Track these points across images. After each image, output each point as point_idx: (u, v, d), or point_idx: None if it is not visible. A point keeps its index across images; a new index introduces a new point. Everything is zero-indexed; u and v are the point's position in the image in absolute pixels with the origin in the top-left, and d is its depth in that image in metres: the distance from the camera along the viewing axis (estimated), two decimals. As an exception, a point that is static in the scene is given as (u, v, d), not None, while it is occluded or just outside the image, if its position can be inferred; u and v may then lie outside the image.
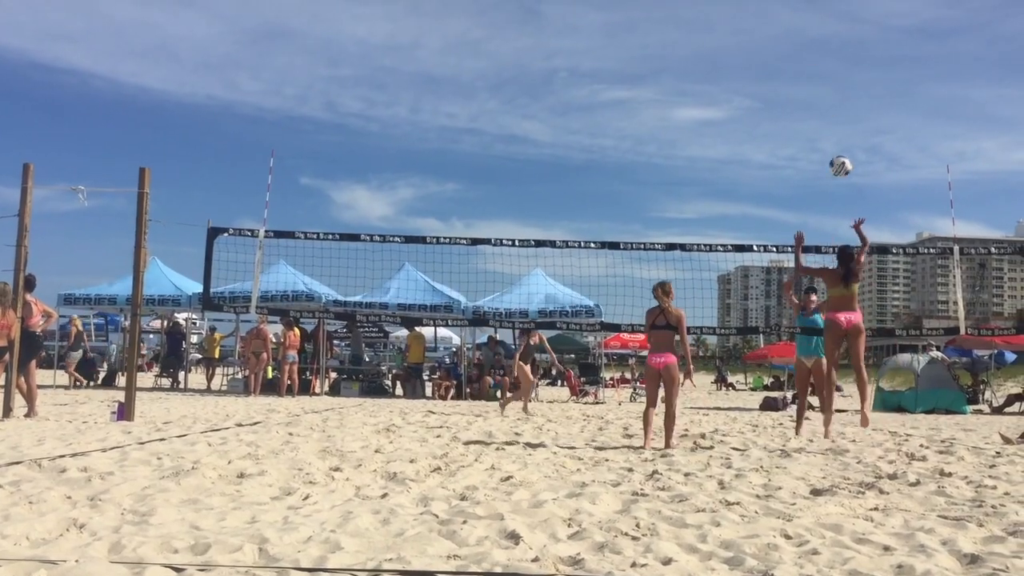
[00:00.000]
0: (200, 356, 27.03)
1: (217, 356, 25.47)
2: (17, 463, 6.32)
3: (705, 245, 13.74)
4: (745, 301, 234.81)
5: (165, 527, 4.34)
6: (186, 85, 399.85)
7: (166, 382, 24.31)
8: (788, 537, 4.39)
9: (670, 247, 13.56)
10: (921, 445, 9.55)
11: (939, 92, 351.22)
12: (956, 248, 13.65)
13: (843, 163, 10.68)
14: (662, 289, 8.83)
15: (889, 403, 20.96)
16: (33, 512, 4.62)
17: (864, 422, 9.37)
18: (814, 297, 11.90)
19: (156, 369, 26.68)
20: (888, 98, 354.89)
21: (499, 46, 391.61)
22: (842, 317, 9.10)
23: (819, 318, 10.79)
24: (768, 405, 21.63)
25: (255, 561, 3.73)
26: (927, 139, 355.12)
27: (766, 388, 38.93)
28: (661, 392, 9.16)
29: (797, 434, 10.65)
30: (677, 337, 8.97)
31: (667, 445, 8.70)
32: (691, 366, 8.99)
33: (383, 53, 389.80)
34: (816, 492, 5.95)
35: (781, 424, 13.25)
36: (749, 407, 19.72)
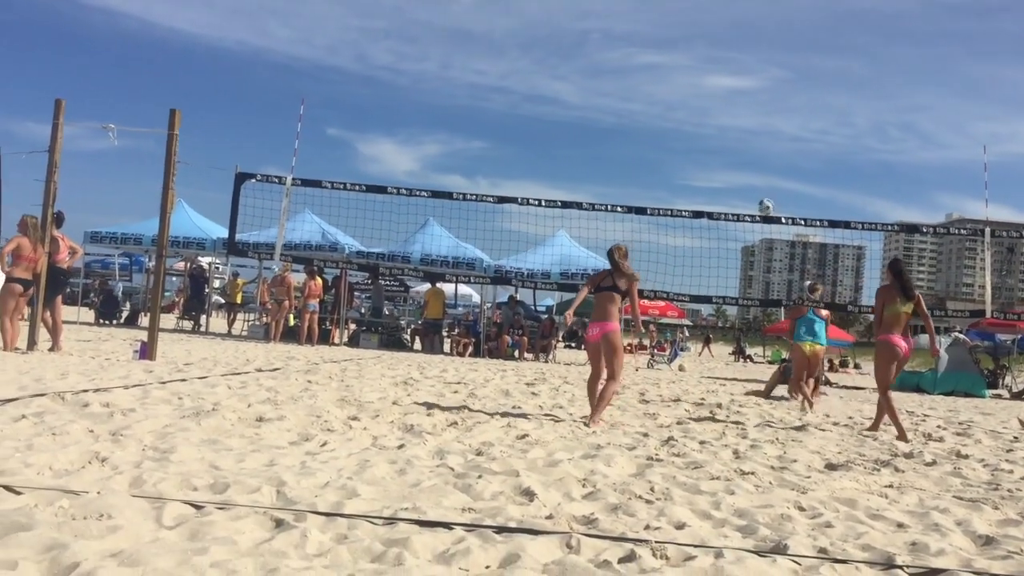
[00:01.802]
0: (223, 301, 27.22)
1: (239, 301, 25.63)
2: (41, 395, 6.41)
3: (732, 215, 13.63)
4: (768, 274, 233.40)
5: (185, 465, 4.40)
6: (217, 29, 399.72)
7: (188, 324, 24.54)
8: (802, 509, 4.39)
9: (697, 215, 13.45)
10: (938, 426, 9.53)
11: (977, 71, 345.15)
12: (987, 230, 13.47)
13: (768, 208, 12.16)
14: (619, 251, 7.94)
15: (908, 383, 20.81)
16: (56, 443, 4.69)
17: (874, 428, 8.57)
18: (819, 287, 12.51)
19: (178, 311, 26.90)
20: (924, 75, 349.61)
21: (532, 4, 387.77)
22: (903, 344, 8.37)
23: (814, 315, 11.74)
24: (786, 379, 21.55)
25: (273, 503, 3.78)
26: (962, 118, 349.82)
27: (784, 362, 38.82)
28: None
29: (812, 410, 10.61)
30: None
31: (592, 421, 7.45)
32: (640, 329, 8.63)
33: (416, 6, 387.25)
34: (831, 467, 5.95)
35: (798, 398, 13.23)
36: (767, 380, 19.67)
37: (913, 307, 8.45)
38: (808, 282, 12.62)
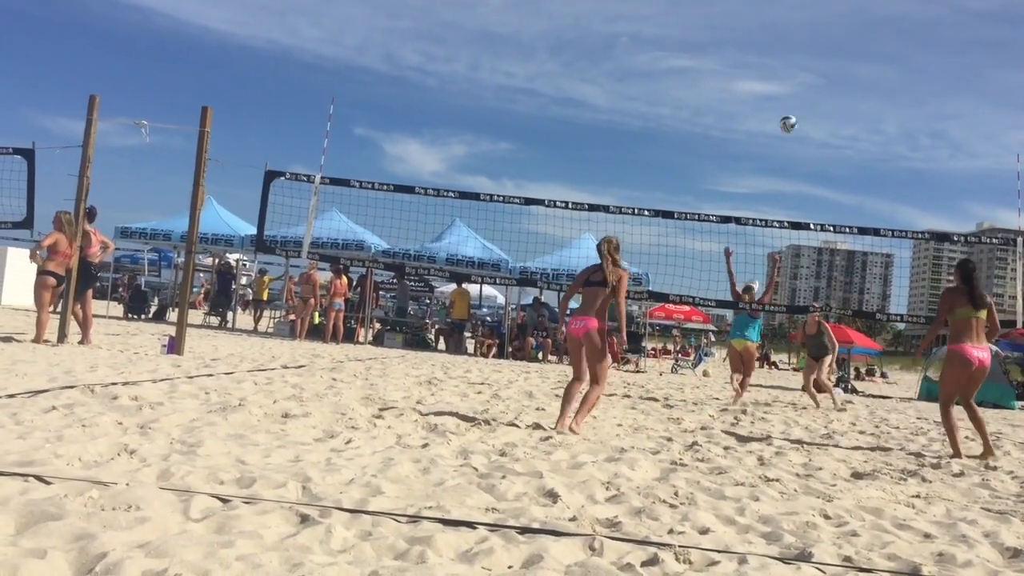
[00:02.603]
0: (251, 297, 27.38)
1: (266, 298, 25.80)
2: (71, 387, 6.49)
3: (760, 220, 13.54)
4: (794, 280, 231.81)
5: (212, 459, 4.44)
6: (248, 27, 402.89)
7: (215, 320, 24.73)
8: (827, 517, 4.36)
9: (725, 219, 13.35)
10: (967, 437, 9.41)
11: (1010, 79, 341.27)
12: (1020, 240, 13.30)
13: (792, 124, 12.13)
14: (610, 244, 7.23)
15: (935, 393, 20.58)
16: (86, 435, 4.74)
17: (988, 452, 7.53)
18: (754, 286, 12.88)
19: (205, 307, 27.11)
20: (956, 82, 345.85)
21: (561, 7, 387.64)
22: (975, 355, 7.40)
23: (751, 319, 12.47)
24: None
25: (298, 498, 3.80)
26: (994, 127, 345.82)
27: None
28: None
29: (737, 403, 11.57)
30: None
31: (575, 429, 6.81)
32: (624, 335, 7.39)
33: (444, 7, 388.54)
34: (857, 475, 5.90)
35: (822, 406, 13.14)
36: (791, 387, 19.54)
37: (986, 315, 7.58)
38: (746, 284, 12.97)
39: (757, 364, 13.65)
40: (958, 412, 7.73)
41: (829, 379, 12.17)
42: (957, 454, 7.37)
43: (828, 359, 12.75)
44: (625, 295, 7.27)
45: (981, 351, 7.44)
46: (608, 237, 7.39)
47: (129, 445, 4.50)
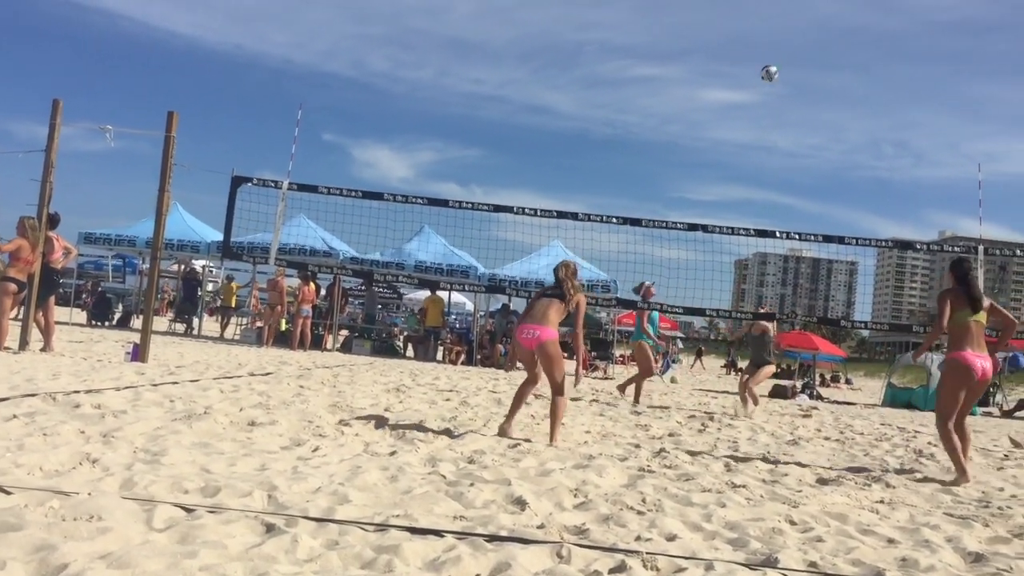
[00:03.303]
0: (219, 304, 27.08)
1: (234, 305, 25.58)
2: (32, 395, 6.39)
3: (727, 228, 13.64)
4: (761, 288, 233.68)
5: (176, 468, 4.39)
6: (215, 32, 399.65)
7: (180, 327, 24.48)
8: (793, 523, 4.40)
9: (692, 227, 13.44)
10: (929, 443, 9.53)
11: (972, 90, 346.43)
12: (981, 248, 13.52)
13: (772, 72, 12.40)
14: (567, 269, 7.16)
15: (899, 399, 20.88)
16: (47, 444, 4.67)
17: (962, 478, 6.43)
18: (653, 289, 13.08)
19: (171, 313, 26.84)
20: (919, 93, 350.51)
21: (530, 14, 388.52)
22: (978, 364, 6.52)
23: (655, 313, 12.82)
24: (777, 392, 21.59)
25: (264, 507, 3.77)
26: (956, 137, 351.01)
27: (776, 376, 38.86)
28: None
29: (638, 402, 11.74)
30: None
31: (552, 441, 6.73)
32: (584, 366, 6.95)
33: (414, 14, 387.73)
34: (822, 481, 5.96)
35: (789, 412, 13.25)
36: (758, 393, 19.68)
37: (987, 316, 6.82)
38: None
39: (725, 371, 13.65)
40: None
41: (751, 391, 11.84)
42: (963, 474, 6.36)
43: (766, 371, 12.52)
44: (583, 322, 7.21)
45: (983, 359, 6.59)
46: (566, 262, 7.33)
47: (91, 454, 4.44)
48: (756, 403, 11.80)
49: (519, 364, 7.14)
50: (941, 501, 5.55)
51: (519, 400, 7.12)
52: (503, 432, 6.83)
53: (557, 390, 6.93)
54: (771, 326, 12.91)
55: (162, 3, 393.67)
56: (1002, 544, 4.27)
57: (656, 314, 12.96)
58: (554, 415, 6.92)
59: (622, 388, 12.77)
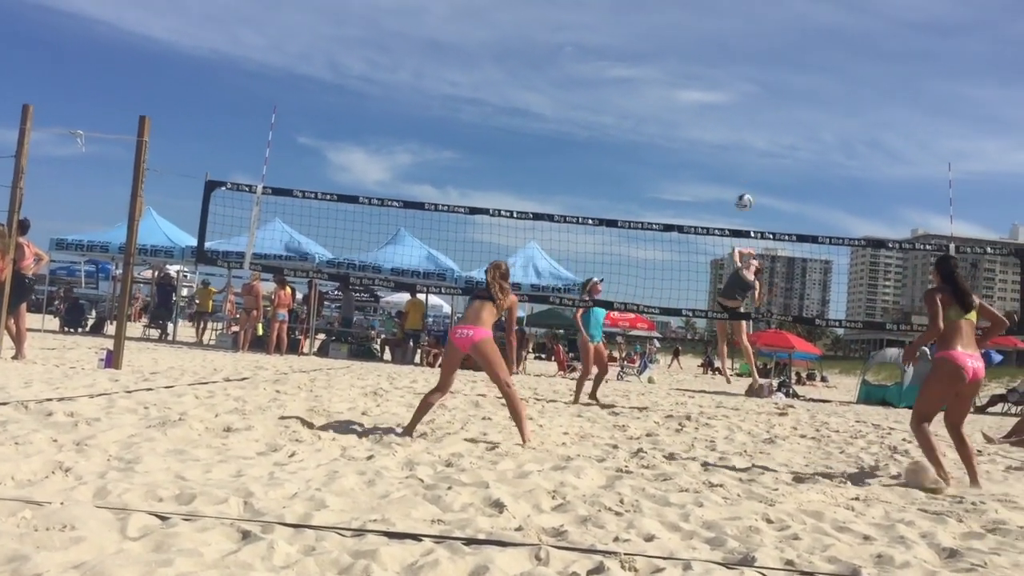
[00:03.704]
0: (196, 309, 26.79)
1: (210, 310, 25.39)
2: (4, 404, 6.31)
3: (702, 228, 13.69)
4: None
5: (151, 475, 4.35)
6: (190, 36, 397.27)
7: (155, 332, 24.28)
8: (770, 521, 4.42)
9: (668, 228, 13.46)
10: (904, 439, 9.61)
11: (943, 90, 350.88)
12: (952, 246, 13.66)
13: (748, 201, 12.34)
14: (497, 271, 7.13)
15: (874, 396, 21.07)
16: (19, 453, 4.61)
17: (973, 480, 6.26)
18: (600, 286, 13.03)
19: (145, 319, 26.61)
20: (891, 92, 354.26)
21: (505, 16, 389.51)
22: (969, 364, 6.11)
23: (601, 310, 12.63)
24: (753, 391, 21.69)
25: (240, 514, 3.74)
26: (928, 136, 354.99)
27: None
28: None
29: (576, 402, 11.83)
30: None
31: (524, 439, 6.77)
32: (515, 360, 6.85)
33: (389, 16, 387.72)
34: (799, 479, 5.99)
35: (765, 410, 13.32)
36: (735, 392, 19.79)
37: (977, 316, 6.43)
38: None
39: (702, 371, 13.56)
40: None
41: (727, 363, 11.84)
42: (942, 476, 5.96)
43: (742, 328, 12.30)
44: (515, 322, 7.10)
45: (974, 359, 6.19)
46: (496, 263, 7.22)
47: (64, 463, 4.39)
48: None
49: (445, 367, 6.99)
50: (915, 497, 5.59)
51: (423, 408, 6.94)
52: (409, 433, 6.66)
53: (504, 386, 6.84)
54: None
55: (136, 7, 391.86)
56: (976, 540, 4.31)
57: (601, 312, 12.84)
58: (515, 412, 6.87)
59: (592, 396, 12.52)
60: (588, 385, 12.43)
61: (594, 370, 12.51)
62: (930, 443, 6.20)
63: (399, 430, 6.87)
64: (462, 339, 6.81)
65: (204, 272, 26.17)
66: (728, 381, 11.70)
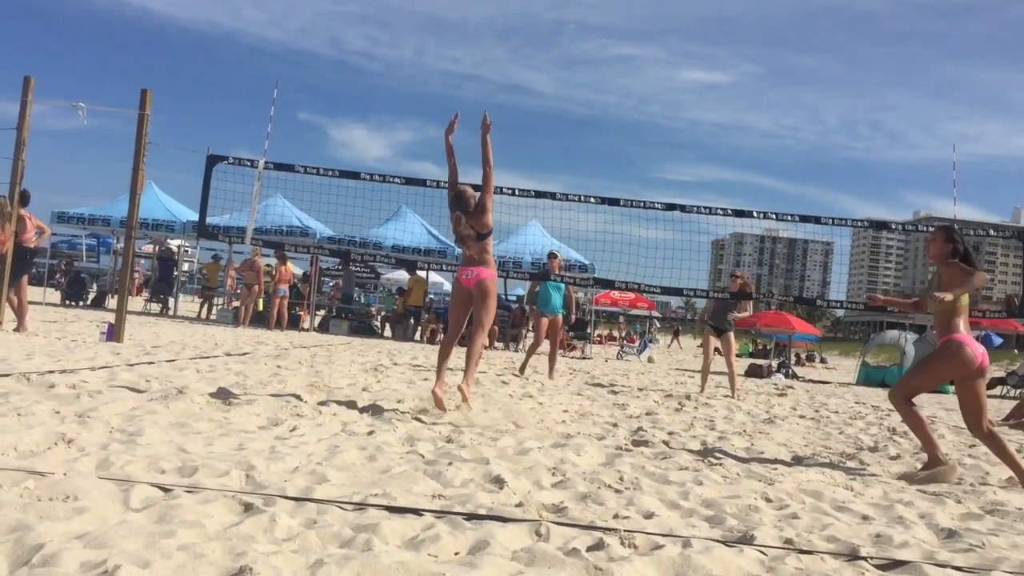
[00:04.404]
0: (204, 284, 26.61)
1: (215, 285, 25.36)
2: (6, 375, 6.33)
3: (705, 208, 13.66)
4: (737, 268, 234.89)
5: (153, 448, 4.36)
6: (189, 9, 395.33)
7: (156, 307, 24.31)
8: (769, 500, 4.44)
9: (670, 207, 13.43)
10: (902, 421, 9.64)
11: (946, 72, 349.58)
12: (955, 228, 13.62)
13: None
14: (465, 193, 6.91)
15: (873, 378, 21.15)
16: (21, 424, 4.62)
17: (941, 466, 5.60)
18: (558, 259, 13.31)
19: (146, 293, 26.61)
20: (894, 74, 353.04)
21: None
22: (980, 350, 5.62)
23: (561, 284, 12.70)
24: (753, 372, 21.78)
25: (242, 487, 3.76)
26: (931, 119, 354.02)
27: (752, 355, 39.16)
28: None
29: (522, 374, 11.93)
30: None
31: (465, 397, 6.74)
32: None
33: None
34: (798, 459, 6.01)
35: (765, 391, 13.36)
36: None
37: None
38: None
39: (702, 351, 13.46)
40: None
41: (735, 368, 11.67)
42: (935, 458, 5.64)
43: (731, 342, 12.07)
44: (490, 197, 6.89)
45: (979, 345, 5.69)
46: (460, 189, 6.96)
47: (67, 434, 4.40)
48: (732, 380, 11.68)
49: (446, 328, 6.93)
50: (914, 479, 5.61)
51: (443, 357, 6.96)
52: (438, 402, 6.54)
53: (479, 326, 6.80)
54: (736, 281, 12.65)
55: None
56: (974, 520, 4.33)
57: (555, 286, 12.74)
58: (470, 357, 6.82)
59: (520, 369, 12.43)
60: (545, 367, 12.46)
61: (547, 344, 12.66)
62: (922, 422, 5.78)
63: (401, 406, 6.89)
64: (469, 279, 6.82)
65: (205, 247, 26.16)
66: (702, 391, 11.58)
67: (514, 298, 30.91)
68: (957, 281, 5.64)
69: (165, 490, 3.54)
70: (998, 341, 27.82)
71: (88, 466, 3.84)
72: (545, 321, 12.49)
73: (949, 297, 5.53)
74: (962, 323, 5.67)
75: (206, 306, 24.56)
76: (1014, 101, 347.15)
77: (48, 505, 3.15)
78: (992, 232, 15.55)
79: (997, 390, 21.03)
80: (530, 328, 15.27)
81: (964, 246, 5.83)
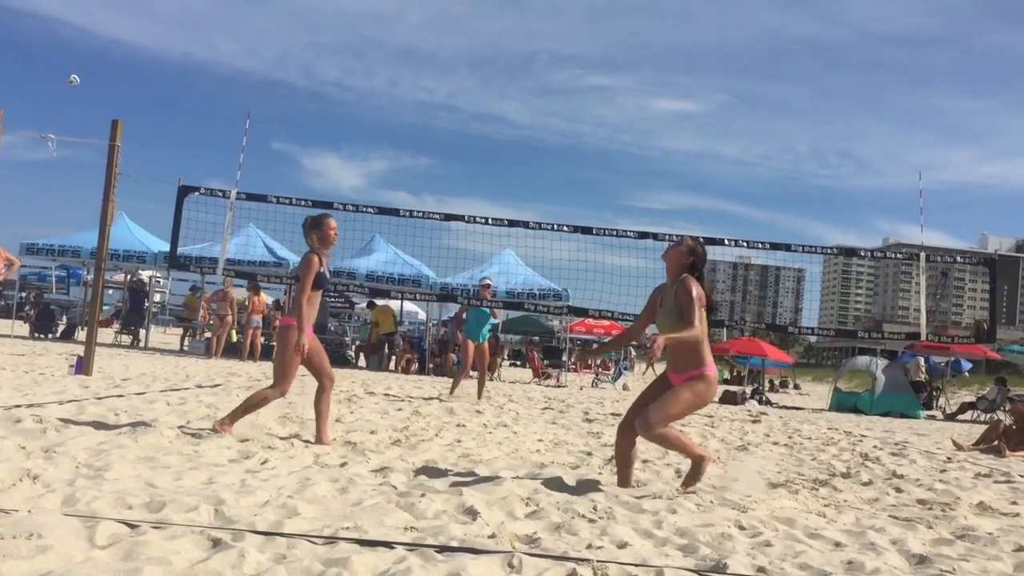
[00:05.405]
0: (182, 317, 26.31)
1: (194, 317, 25.09)
2: (-29, 410, 6.22)
3: (677, 236, 13.77)
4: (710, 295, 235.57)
5: (120, 483, 4.30)
6: (161, 41, 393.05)
7: (126, 339, 24.04)
8: (742, 528, 4.44)
9: (642, 235, 13.52)
10: (875, 446, 9.70)
11: (912, 101, 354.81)
12: (923, 255, 13.81)
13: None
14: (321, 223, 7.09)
15: (845, 404, 21.26)
16: (-14, 460, 4.55)
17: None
18: (490, 288, 13.38)
19: (116, 325, 26.32)
20: (861, 103, 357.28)
21: (480, 24, 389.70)
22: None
23: (487, 310, 12.72)
24: (727, 399, 21.83)
25: (211, 522, 3.71)
26: (897, 146, 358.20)
27: (726, 382, 39.26)
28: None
29: (452, 394, 12.34)
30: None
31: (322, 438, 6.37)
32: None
33: (364, 22, 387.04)
34: (771, 486, 6.02)
35: (738, 417, 13.39)
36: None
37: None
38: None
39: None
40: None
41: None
42: (706, 455, 5.47)
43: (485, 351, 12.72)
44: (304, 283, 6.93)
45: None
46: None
47: (32, 470, 4.34)
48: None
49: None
50: (886, 504, 5.64)
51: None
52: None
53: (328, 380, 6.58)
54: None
55: (104, 10, 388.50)
56: (945, 546, 4.35)
57: (485, 312, 12.74)
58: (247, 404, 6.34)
59: (478, 395, 12.45)
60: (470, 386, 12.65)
61: (475, 371, 12.74)
62: (679, 439, 5.37)
63: (374, 437, 6.83)
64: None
65: (177, 278, 25.94)
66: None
67: (489, 327, 30.85)
68: (687, 316, 5.23)
69: (132, 526, 3.49)
70: (968, 366, 28.09)
71: (53, 503, 3.78)
72: (471, 347, 12.54)
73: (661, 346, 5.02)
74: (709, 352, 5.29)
75: (187, 337, 24.33)
76: (979, 129, 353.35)
77: (11, 543, 3.10)
78: (959, 259, 15.73)
79: (968, 415, 21.22)
80: (504, 357, 15.22)
81: (702, 268, 5.49)
